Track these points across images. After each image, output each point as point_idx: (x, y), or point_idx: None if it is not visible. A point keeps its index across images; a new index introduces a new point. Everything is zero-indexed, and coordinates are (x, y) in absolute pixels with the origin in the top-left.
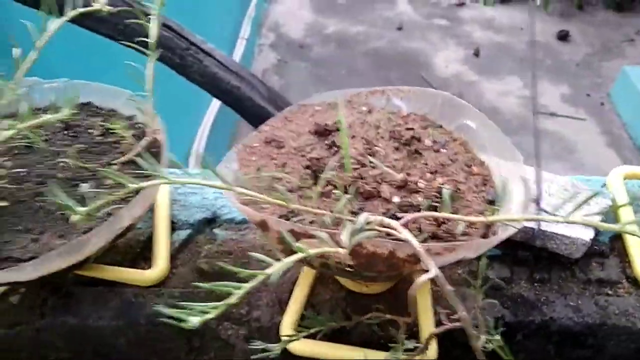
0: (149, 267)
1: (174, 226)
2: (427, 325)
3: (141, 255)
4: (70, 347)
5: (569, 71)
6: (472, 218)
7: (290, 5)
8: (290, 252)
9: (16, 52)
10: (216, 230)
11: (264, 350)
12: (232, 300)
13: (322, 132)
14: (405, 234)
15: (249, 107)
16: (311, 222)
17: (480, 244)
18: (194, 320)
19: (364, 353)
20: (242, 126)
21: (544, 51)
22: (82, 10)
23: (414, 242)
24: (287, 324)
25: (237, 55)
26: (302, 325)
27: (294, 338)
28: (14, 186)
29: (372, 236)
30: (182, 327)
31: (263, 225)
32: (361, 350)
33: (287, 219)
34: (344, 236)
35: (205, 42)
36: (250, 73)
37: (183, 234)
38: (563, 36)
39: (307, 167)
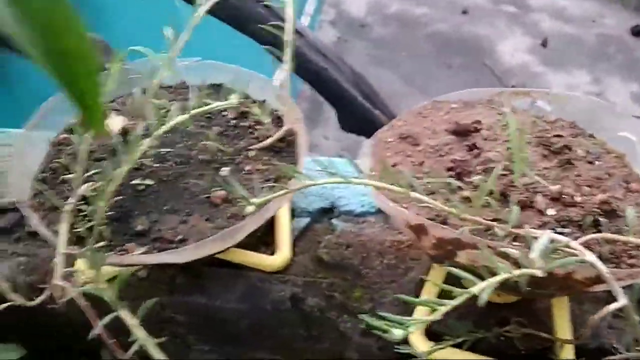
0: (270, 252)
1: (293, 213)
2: (566, 343)
3: (261, 240)
4: (192, 324)
5: None
6: None
7: None
8: (444, 257)
9: (168, 32)
10: (334, 221)
11: (409, 356)
12: (435, 317)
13: (462, 132)
14: (589, 256)
15: (333, 89)
16: (471, 232)
17: None
18: (397, 333)
19: None
20: (300, 102)
21: (615, 46)
22: None
23: (601, 266)
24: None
25: None
26: (437, 331)
27: (441, 346)
28: (158, 165)
29: (572, 262)
30: (304, 315)
31: (418, 230)
32: None
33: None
34: (536, 256)
35: (297, 21)
36: (337, 55)
37: (302, 221)
38: (638, 32)
39: (450, 169)
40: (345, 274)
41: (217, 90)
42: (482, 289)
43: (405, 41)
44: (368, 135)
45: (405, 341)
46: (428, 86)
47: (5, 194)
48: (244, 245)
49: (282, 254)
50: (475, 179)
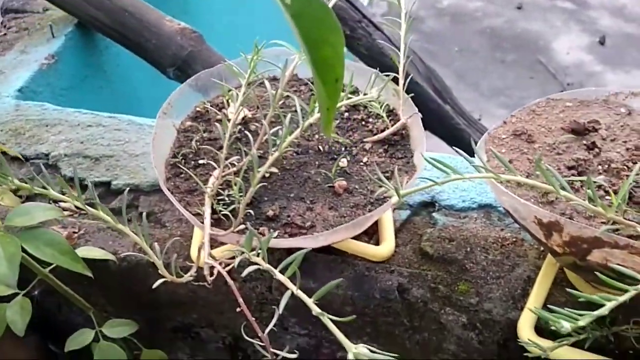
0: (372, 242)
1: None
2: None
3: (364, 230)
4: (297, 306)
5: None
6: None
7: None
8: (574, 255)
9: None
10: (436, 215)
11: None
12: (603, 311)
13: (580, 131)
14: None
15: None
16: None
17: None
18: (566, 325)
19: None
20: None
21: None
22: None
23: None
24: (526, 323)
25: None
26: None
27: (564, 342)
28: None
29: None
30: (409, 305)
31: (550, 226)
32: None
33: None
34: None
35: (375, 15)
36: (411, 49)
37: (403, 214)
38: None
39: (571, 168)
40: (449, 267)
41: None
42: None
43: (458, 36)
44: (434, 130)
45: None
46: (480, 82)
47: (119, 177)
48: None
49: (388, 244)
50: (599, 178)
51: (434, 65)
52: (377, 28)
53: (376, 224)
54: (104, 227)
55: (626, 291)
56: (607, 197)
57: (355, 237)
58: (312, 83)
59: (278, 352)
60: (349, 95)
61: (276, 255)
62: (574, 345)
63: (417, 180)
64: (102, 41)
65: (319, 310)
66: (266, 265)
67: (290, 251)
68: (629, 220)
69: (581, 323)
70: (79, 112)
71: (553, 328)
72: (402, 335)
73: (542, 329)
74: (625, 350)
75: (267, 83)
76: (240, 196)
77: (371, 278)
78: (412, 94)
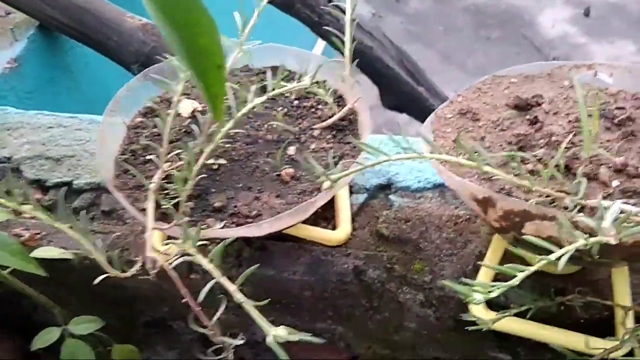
0: (330, 227)
1: (351, 189)
2: (628, 310)
3: (321, 215)
4: (258, 295)
5: None
6: None
7: None
8: (510, 229)
9: (238, 16)
10: (392, 197)
11: (466, 325)
12: (514, 282)
13: (523, 107)
14: None
15: (378, 67)
16: (537, 204)
17: None
18: (479, 297)
19: (585, 338)
20: None
21: None
22: None
23: None
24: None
25: None
26: (498, 302)
27: (506, 314)
28: (228, 145)
29: None
30: (366, 286)
31: (485, 202)
32: (580, 335)
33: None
34: (609, 224)
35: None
36: (382, 33)
37: (360, 197)
38: None
39: (512, 143)
40: (404, 248)
41: (276, 71)
42: (561, 254)
43: (442, 15)
44: (410, 112)
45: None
46: (466, 61)
47: (81, 176)
48: (306, 220)
49: (344, 228)
50: (539, 152)
51: (419, 47)
52: (344, 12)
53: (333, 209)
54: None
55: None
56: (546, 170)
57: (313, 223)
58: (264, 73)
59: (227, 339)
60: (282, 83)
61: (235, 246)
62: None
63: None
64: (67, 42)
65: (241, 298)
66: (197, 256)
67: (248, 241)
68: (564, 192)
69: (493, 295)
70: (41, 114)
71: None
72: (363, 315)
73: (493, 302)
74: (577, 320)
75: None
76: (183, 190)
77: (328, 262)
78: (385, 77)
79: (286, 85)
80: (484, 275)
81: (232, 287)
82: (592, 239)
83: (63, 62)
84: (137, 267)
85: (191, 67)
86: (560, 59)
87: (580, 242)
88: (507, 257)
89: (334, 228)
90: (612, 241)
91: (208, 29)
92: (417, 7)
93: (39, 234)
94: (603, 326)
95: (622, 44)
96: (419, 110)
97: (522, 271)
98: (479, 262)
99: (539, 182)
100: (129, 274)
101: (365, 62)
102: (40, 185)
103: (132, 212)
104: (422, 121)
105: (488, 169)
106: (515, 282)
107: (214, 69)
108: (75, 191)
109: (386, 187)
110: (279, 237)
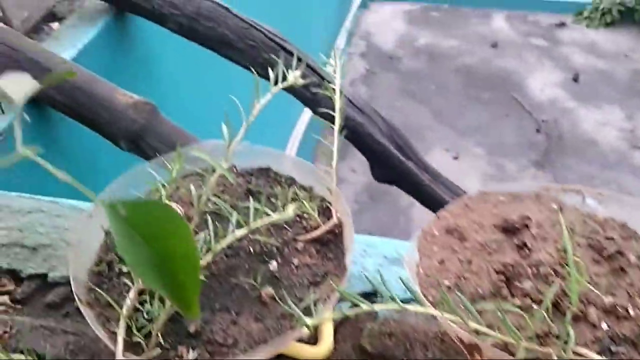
0: (312, 341)
1: None
2: None
3: None
4: None
5: None
6: None
7: (383, 15)
8: None
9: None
10: (376, 307)
11: None
12: None
13: (511, 230)
14: None
15: (368, 143)
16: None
17: None
18: None
19: None
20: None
21: None
22: (282, 86)
23: None
24: None
25: None
26: None
27: None
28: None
29: None
30: None
31: (471, 347)
32: None
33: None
34: None
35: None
36: (372, 109)
37: (345, 306)
38: None
39: (500, 272)
40: None
41: (265, 174)
42: None
43: (434, 74)
44: (400, 185)
45: None
46: (457, 120)
47: (56, 268)
48: None
49: (325, 343)
50: (526, 285)
51: (412, 104)
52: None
53: None
54: (37, 326)
55: None
56: (534, 307)
57: None
58: (251, 175)
59: None
60: (268, 212)
61: None
62: None
63: (347, 284)
64: (56, 114)
65: None
66: None
67: None
68: (552, 334)
69: None
70: (21, 197)
71: None
72: None
73: None
74: None
75: (192, 187)
76: (158, 314)
77: None
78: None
79: (270, 215)
80: None
81: None
82: None
83: (52, 135)
84: None
85: (159, 279)
86: (549, 122)
87: None
88: None
89: (315, 338)
90: None
91: (184, 235)
92: (410, 65)
93: (7, 331)
94: None
95: (610, 110)
96: (408, 185)
97: None
98: None
99: (527, 336)
100: None
101: (357, 138)
102: (14, 275)
103: (101, 336)
104: (411, 194)
105: (473, 325)
106: None
107: (188, 273)
108: (50, 284)
109: (372, 295)
110: None
